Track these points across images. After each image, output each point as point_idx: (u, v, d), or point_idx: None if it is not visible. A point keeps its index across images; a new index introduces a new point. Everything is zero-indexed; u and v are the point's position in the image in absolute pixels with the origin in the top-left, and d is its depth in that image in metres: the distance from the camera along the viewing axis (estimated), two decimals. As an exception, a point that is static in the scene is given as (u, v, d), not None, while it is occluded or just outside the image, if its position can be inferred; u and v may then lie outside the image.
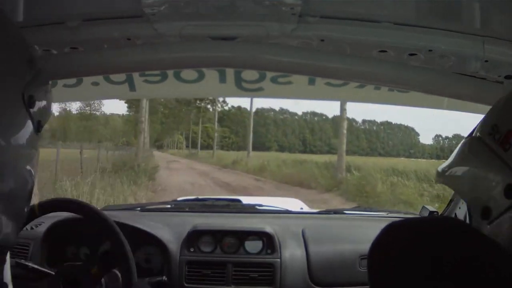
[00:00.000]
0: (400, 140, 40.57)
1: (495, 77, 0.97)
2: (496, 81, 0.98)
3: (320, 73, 1.14)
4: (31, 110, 0.61)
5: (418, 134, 40.18)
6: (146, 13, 0.89)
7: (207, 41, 0.99)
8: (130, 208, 2.08)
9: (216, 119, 33.96)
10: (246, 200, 2.16)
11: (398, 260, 0.57)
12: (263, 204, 2.09)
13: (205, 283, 1.60)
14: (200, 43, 1.00)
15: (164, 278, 1.59)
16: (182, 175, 16.55)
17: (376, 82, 1.31)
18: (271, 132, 42.99)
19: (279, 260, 1.62)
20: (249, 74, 1.63)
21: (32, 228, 1.69)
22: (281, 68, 1.12)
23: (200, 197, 2.27)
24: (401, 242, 0.59)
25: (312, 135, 43.52)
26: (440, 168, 0.74)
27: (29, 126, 0.61)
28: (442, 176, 0.74)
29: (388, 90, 1.59)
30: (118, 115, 35.60)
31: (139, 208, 2.01)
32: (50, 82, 0.74)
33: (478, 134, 0.66)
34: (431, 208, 1.80)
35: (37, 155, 0.64)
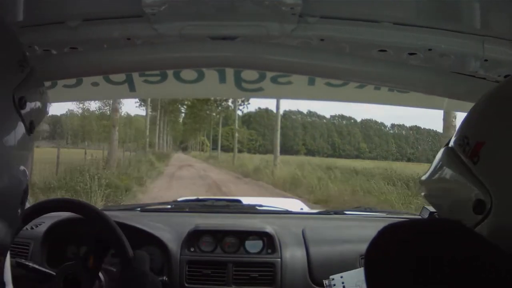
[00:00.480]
0: (430, 145, 39.05)
1: (495, 76, 0.97)
2: (495, 80, 0.98)
3: (320, 73, 1.14)
4: (22, 111, 0.61)
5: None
6: (146, 13, 0.89)
7: (207, 41, 0.99)
8: (130, 208, 2.08)
9: (237, 120, 31.51)
10: (246, 200, 2.16)
11: (395, 261, 0.57)
12: (263, 204, 2.09)
13: (206, 283, 1.61)
14: (200, 43, 1.00)
15: (165, 278, 1.59)
16: (184, 187, 12.56)
17: (376, 82, 1.31)
18: (299, 136, 42.37)
19: (279, 260, 1.62)
20: (249, 74, 1.63)
21: (32, 228, 1.69)
22: (281, 68, 1.12)
23: (200, 197, 2.28)
24: (399, 243, 0.58)
25: (340, 138, 43.00)
26: (421, 178, 0.73)
27: (21, 127, 0.61)
28: (421, 187, 0.73)
29: (388, 90, 1.59)
30: (143, 116, 35.14)
31: (139, 208, 2.01)
32: (45, 83, 0.73)
33: (452, 144, 0.64)
34: (431, 209, 1.79)
35: (31, 156, 0.64)
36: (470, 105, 1.17)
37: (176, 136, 46.38)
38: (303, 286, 1.61)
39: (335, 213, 2.10)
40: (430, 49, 0.95)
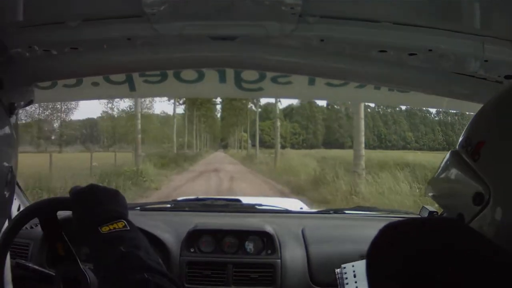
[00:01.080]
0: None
1: (495, 77, 0.97)
2: (495, 81, 0.98)
3: (320, 73, 1.15)
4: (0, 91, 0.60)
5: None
6: (146, 13, 0.89)
7: (207, 41, 0.99)
8: (130, 207, 2.07)
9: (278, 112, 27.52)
10: (245, 199, 2.16)
11: (396, 260, 0.57)
12: (263, 203, 2.09)
13: (206, 284, 1.60)
14: (200, 43, 1.00)
15: None
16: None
17: (376, 82, 1.31)
18: (344, 127, 38.42)
19: (279, 260, 1.62)
20: (249, 74, 1.63)
21: (32, 228, 1.69)
22: (281, 68, 1.12)
23: (200, 196, 2.27)
24: (399, 242, 0.59)
25: (386, 128, 39.40)
26: (429, 180, 0.79)
27: None
28: (428, 187, 0.79)
29: (388, 90, 1.59)
30: (179, 114, 33.17)
31: (139, 208, 2.01)
32: (45, 83, 0.72)
33: (457, 147, 0.71)
34: (431, 208, 1.80)
35: (13, 139, 0.63)
36: (470, 105, 1.17)
37: (216, 134, 43.76)
38: (303, 286, 1.61)
39: (335, 212, 2.10)
40: (430, 50, 0.95)
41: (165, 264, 1.59)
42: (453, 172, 0.71)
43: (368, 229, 1.58)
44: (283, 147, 29.66)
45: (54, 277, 1.38)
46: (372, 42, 0.97)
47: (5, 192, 0.62)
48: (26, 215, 1.16)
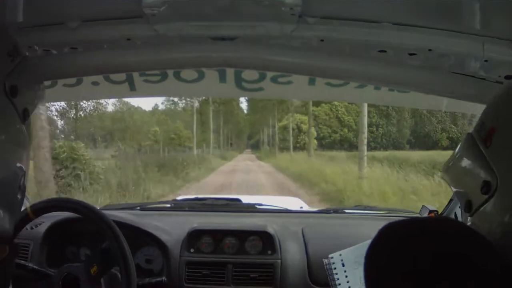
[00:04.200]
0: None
1: (495, 77, 0.97)
2: (496, 81, 0.98)
3: (320, 73, 1.15)
4: (14, 99, 0.61)
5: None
6: (146, 14, 0.89)
7: (207, 41, 0.99)
8: (130, 207, 2.08)
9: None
10: (245, 199, 2.16)
11: (394, 259, 0.57)
12: (263, 203, 2.09)
13: (205, 284, 1.61)
14: (200, 43, 1.00)
15: (164, 279, 1.59)
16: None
17: (376, 82, 1.31)
18: (406, 126, 30.16)
19: (279, 260, 1.62)
20: (249, 74, 1.63)
21: (32, 228, 1.69)
22: (281, 68, 1.12)
23: (199, 196, 2.27)
24: (398, 242, 0.59)
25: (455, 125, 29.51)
26: (445, 163, 0.78)
27: (13, 114, 0.61)
28: (444, 171, 0.78)
29: (388, 90, 1.59)
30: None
31: (138, 207, 2.01)
32: (45, 83, 0.73)
33: (472, 130, 0.71)
34: (431, 207, 1.80)
35: (27, 142, 0.64)
36: (470, 105, 1.17)
37: (240, 131, 36.22)
38: (303, 286, 1.61)
39: (335, 211, 2.10)
40: (430, 50, 0.95)
41: (165, 264, 1.62)
42: (466, 157, 0.70)
43: (368, 228, 1.58)
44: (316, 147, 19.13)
45: (54, 277, 1.38)
46: (372, 42, 0.97)
47: (18, 196, 0.62)
48: None
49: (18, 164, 0.61)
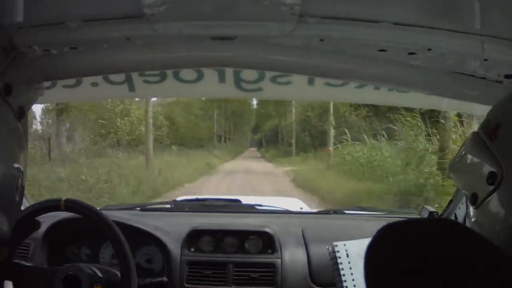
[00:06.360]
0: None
1: (495, 76, 0.97)
2: (495, 80, 0.98)
3: (320, 73, 1.15)
4: (8, 97, 0.60)
5: None
6: (145, 14, 0.89)
7: (206, 41, 0.99)
8: (130, 207, 2.08)
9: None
10: (245, 200, 2.16)
11: (394, 260, 0.57)
12: (263, 204, 2.09)
13: (206, 284, 1.61)
14: (199, 43, 1.00)
15: (165, 279, 1.59)
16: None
17: (376, 82, 1.31)
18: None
19: (280, 260, 1.62)
20: (249, 74, 1.63)
21: (32, 229, 1.69)
22: (281, 68, 1.12)
23: (199, 197, 2.27)
24: (397, 242, 0.59)
25: None
26: (451, 160, 0.82)
27: (7, 112, 0.60)
28: (450, 168, 0.82)
29: (388, 90, 1.59)
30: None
31: (139, 208, 2.01)
32: (45, 84, 0.72)
33: (477, 129, 0.74)
34: (430, 209, 1.80)
35: (23, 141, 0.63)
36: (469, 105, 1.17)
37: (240, 117, 30.21)
38: (303, 286, 1.61)
39: (335, 212, 2.10)
40: (429, 49, 0.95)
41: (165, 264, 1.61)
42: (471, 151, 0.73)
43: (367, 229, 1.58)
44: (336, 143, 13.98)
45: (54, 277, 1.38)
46: (372, 41, 0.97)
47: (16, 197, 0.62)
48: None
49: (15, 165, 0.61)
